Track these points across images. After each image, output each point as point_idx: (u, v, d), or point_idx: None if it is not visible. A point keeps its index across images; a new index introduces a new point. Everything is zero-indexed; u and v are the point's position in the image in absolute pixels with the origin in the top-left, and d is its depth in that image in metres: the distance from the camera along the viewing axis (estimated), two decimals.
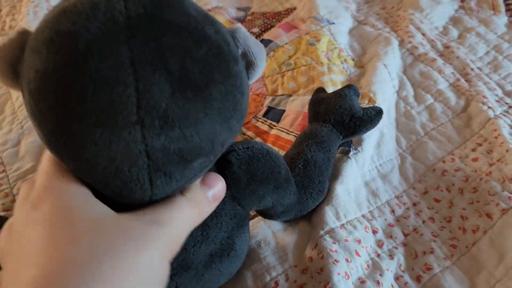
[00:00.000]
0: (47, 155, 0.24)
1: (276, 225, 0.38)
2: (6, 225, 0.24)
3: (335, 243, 0.36)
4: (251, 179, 0.29)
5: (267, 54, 0.54)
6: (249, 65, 0.23)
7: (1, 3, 0.66)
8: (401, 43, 0.57)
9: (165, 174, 0.21)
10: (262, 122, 0.47)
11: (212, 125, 0.21)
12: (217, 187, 0.25)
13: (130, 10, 0.18)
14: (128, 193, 0.21)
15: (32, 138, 0.47)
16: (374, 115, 0.41)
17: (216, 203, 0.25)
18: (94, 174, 0.21)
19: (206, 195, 0.24)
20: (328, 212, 0.38)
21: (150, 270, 0.20)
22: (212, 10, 0.63)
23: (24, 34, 0.21)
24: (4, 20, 0.63)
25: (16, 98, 0.51)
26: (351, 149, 0.42)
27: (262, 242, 0.37)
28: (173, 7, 0.20)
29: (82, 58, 0.18)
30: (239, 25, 0.24)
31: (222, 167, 0.29)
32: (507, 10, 0.63)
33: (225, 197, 0.27)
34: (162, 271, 0.21)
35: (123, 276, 0.19)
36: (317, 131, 0.39)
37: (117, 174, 0.20)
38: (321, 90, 0.44)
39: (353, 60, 0.54)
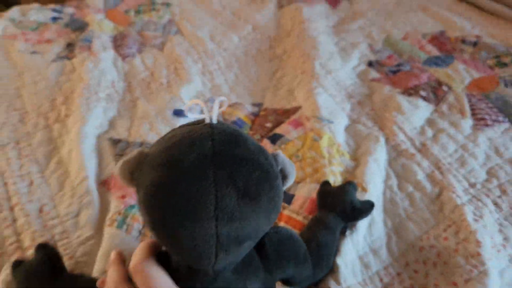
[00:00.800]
0: (141, 247, 0.35)
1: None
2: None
3: None
4: (278, 257, 0.41)
5: (280, 146, 0.67)
6: (284, 178, 0.36)
7: (55, 93, 0.79)
8: (387, 141, 0.70)
9: (226, 251, 0.32)
10: None
11: (259, 220, 0.32)
12: None
13: (215, 147, 0.31)
14: (199, 261, 0.33)
15: (90, 211, 0.58)
16: (368, 207, 0.54)
17: None
18: (180, 248, 0.32)
19: None
20: (330, 279, 0.49)
21: None
22: (233, 105, 0.77)
23: (141, 154, 0.33)
24: (59, 109, 0.76)
25: (75, 176, 0.63)
26: (347, 229, 0.54)
27: None
28: (240, 145, 0.32)
29: (184, 176, 0.30)
30: (279, 151, 0.36)
31: (258, 247, 0.40)
32: (472, 114, 0.77)
33: (260, 268, 0.38)
34: None
35: None
36: (325, 218, 0.51)
37: (195, 248, 0.31)
38: (327, 183, 0.57)
39: (349, 154, 0.67)
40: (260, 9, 1.07)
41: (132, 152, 0.33)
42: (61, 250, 0.54)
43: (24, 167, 0.64)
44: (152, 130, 0.69)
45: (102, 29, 0.95)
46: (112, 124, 0.72)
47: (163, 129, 0.69)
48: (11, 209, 0.59)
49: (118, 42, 0.91)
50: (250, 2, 1.09)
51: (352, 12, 1.08)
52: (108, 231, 0.54)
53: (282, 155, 0.36)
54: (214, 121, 0.33)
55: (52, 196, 0.60)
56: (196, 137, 0.31)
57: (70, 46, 0.90)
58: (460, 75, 0.86)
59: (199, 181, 0.30)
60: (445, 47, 0.95)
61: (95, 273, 0.50)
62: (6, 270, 0.49)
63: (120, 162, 0.33)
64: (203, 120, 0.33)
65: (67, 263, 0.52)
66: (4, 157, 0.65)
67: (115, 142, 0.67)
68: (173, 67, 0.86)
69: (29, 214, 0.57)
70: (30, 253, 0.53)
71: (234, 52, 0.92)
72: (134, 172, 0.33)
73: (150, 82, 0.82)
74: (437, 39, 0.98)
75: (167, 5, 1.06)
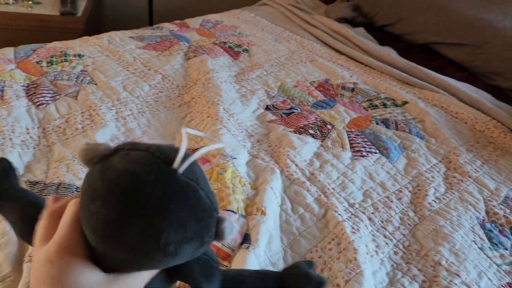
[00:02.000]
0: (68, 219, 0.33)
1: None
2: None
3: None
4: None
5: None
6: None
7: None
8: (282, 171, 0.82)
9: None
10: None
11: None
12: None
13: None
14: None
15: (8, 250, 0.60)
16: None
17: None
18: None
19: None
20: None
21: None
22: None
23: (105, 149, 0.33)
24: None
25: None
26: (250, 245, 0.63)
27: None
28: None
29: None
30: (225, 217, 0.35)
31: None
32: (351, 147, 0.93)
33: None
34: None
35: None
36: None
37: None
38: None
39: (250, 184, 0.78)
40: (169, 61, 1.17)
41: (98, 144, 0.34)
42: None
43: None
44: (69, 171, 0.74)
45: (13, 79, 0.98)
46: (28, 168, 0.75)
47: (81, 170, 0.74)
48: None
49: (32, 91, 0.95)
50: (159, 55, 1.19)
51: (251, 63, 1.23)
52: (27, 267, 0.57)
53: (228, 224, 0.34)
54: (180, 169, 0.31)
55: None
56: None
57: None
58: (341, 115, 1.03)
59: None
60: (329, 92, 1.12)
61: None
62: None
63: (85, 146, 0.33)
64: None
65: None
66: None
67: (33, 184, 0.71)
68: (88, 113, 0.91)
69: None
70: None
71: (145, 99, 1.00)
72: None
73: (66, 128, 0.86)
74: (323, 86, 1.15)
75: (80, 56, 1.12)
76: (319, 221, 0.73)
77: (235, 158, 0.82)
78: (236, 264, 0.61)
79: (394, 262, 0.69)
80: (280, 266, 0.65)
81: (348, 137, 0.95)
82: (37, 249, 0.33)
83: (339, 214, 0.74)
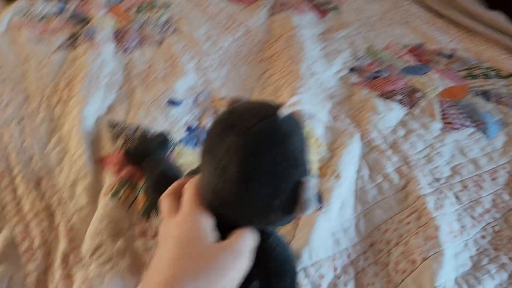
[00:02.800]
0: (191, 189, 0.38)
1: None
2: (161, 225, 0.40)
3: (306, 278, 0.53)
4: None
5: None
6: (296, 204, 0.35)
7: (58, 78, 0.85)
8: (362, 137, 0.77)
9: None
10: None
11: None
12: None
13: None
14: None
15: (86, 182, 0.63)
16: None
17: None
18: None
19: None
20: (305, 253, 0.55)
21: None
22: (223, 98, 0.83)
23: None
24: (61, 93, 0.81)
25: (73, 152, 0.68)
26: (322, 206, 0.60)
27: None
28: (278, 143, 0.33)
29: None
30: (311, 179, 0.35)
31: None
32: (442, 118, 0.84)
33: None
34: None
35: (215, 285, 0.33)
36: None
37: None
38: None
39: (326, 145, 0.74)
40: (253, 15, 1.14)
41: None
42: (58, 216, 0.59)
43: (26, 142, 0.69)
44: (147, 116, 0.75)
45: (104, 23, 1.01)
46: (110, 108, 0.78)
47: (157, 116, 0.75)
48: (13, 178, 0.64)
49: (119, 36, 0.97)
50: (244, 8, 1.16)
51: (339, 22, 1.15)
52: (103, 199, 0.59)
53: (311, 184, 0.35)
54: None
55: (51, 168, 0.65)
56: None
57: (73, 37, 0.96)
58: (434, 83, 0.93)
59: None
60: (423, 58, 1.02)
61: (87, 237, 0.55)
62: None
63: None
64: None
65: (63, 227, 0.57)
66: (8, 133, 0.70)
67: (113, 124, 0.73)
68: (170, 62, 0.92)
69: (29, 184, 0.63)
70: (29, 217, 0.58)
71: (227, 52, 0.99)
72: None
73: (148, 74, 0.88)
74: (416, 51, 1.05)
75: (167, 5, 1.12)
76: (398, 192, 0.67)
77: (313, 118, 0.77)
78: (304, 223, 0.58)
79: (481, 246, 0.62)
80: (351, 234, 0.61)
81: (440, 107, 0.86)
82: (166, 221, 0.39)
83: (421, 188, 0.67)
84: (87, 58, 0.88)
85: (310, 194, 0.34)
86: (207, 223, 0.37)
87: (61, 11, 1.07)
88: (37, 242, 0.55)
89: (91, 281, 0.51)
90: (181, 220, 0.37)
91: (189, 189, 0.39)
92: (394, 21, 1.17)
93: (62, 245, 0.55)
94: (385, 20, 1.17)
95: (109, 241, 0.54)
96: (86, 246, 0.54)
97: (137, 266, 0.53)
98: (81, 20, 1.03)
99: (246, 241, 0.37)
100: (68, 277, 0.52)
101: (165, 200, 0.41)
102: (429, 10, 1.25)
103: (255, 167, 0.33)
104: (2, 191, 0.61)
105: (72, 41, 0.96)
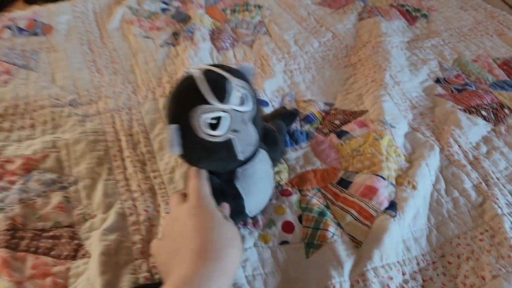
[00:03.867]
0: (194, 182, 0.52)
1: (340, 251, 0.59)
2: (167, 219, 0.54)
3: (375, 277, 0.57)
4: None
5: (344, 141, 0.77)
6: None
7: (162, 72, 0.95)
8: (442, 150, 0.78)
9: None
10: (335, 187, 0.70)
11: None
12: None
13: None
14: None
15: (183, 168, 0.71)
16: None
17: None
18: None
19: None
20: (376, 254, 0.59)
21: (239, 253, 0.49)
22: (307, 101, 0.88)
23: None
24: (164, 86, 0.91)
25: None
26: (396, 214, 0.64)
27: (329, 260, 0.58)
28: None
29: None
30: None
31: None
32: None
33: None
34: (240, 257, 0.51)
35: (232, 252, 0.46)
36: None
37: None
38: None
39: (404, 156, 0.76)
40: (341, 20, 1.17)
41: None
42: (159, 197, 0.68)
43: (133, 129, 0.80)
44: None
45: (202, 23, 1.10)
46: None
47: None
48: (123, 160, 0.74)
49: (215, 35, 1.06)
50: (332, 12, 1.20)
51: (428, 30, 1.15)
52: None
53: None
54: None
55: (154, 153, 0.75)
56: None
57: (175, 34, 1.06)
58: None
59: None
60: None
61: None
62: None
63: None
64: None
65: (164, 206, 0.66)
66: (119, 119, 0.81)
67: None
68: (260, 63, 0.98)
69: (135, 166, 0.72)
70: (136, 195, 0.67)
71: (313, 56, 1.03)
72: None
73: None
74: (508, 65, 1.02)
75: (259, 7, 1.19)
76: (474, 209, 0.68)
77: (394, 127, 0.80)
78: (378, 227, 0.62)
79: None
80: (423, 244, 0.64)
81: None
82: (175, 208, 0.52)
83: (499, 207, 0.68)
84: (187, 55, 0.97)
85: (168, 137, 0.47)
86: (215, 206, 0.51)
87: (164, 10, 1.18)
88: (141, 217, 0.65)
89: None
90: (198, 203, 0.50)
91: (193, 178, 0.53)
92: (487, 32, 1.14)
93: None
94: (477, 31, 1.15)
95: None
96: None
97: None
98: (182, 19, 1.13)
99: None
100: None
101: (174, 194, 0.56)
102: None
103: None
104: (115, 169, 0.72)
105: (174, 38, 1.06)
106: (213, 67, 0.50)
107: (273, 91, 0.90)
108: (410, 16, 1.21)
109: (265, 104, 0.86)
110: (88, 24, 1.15)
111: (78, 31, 1.12)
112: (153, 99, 0.86)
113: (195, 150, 0.49)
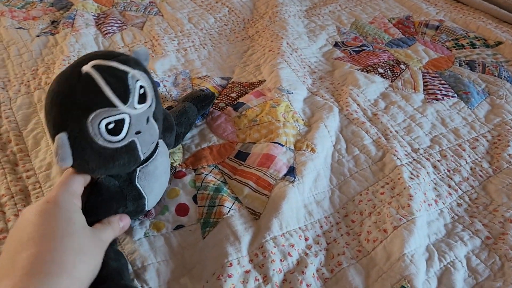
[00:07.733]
0: (63, 177, 0.43)
1: (237, 226, 0.54)
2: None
3: (275, 247, 0.53)
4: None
5: (241, 113, 0.73)
6: None
7: (38, 64, 0.85)
8: (341, 110, 0.76)
9: None
10: (232, 161, 0.65)
11: None
12: (126, 221, 0.49)
13: None
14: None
15: None
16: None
17: (123, 230, 0.49)
18: None
19: (120, 225, 0.48)
20: (275, 223, 0.55)
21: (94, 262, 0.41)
22: (202, 77, 0.83)
23: None
24: (40, 78, 0.82)
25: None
26: (295, 179, 0.60)
27: (225, 237, 0.53)
28: None
29: None
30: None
31: None
32: (424, 90, 0.83)
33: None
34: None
35: (80, 268, 0.38)
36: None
37: None
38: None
39: (303, 120, 0.73)
40: None
41: None
42: (33, 198, 0.60)
43: (2, 128, 0.70)
44: None
45: (86, 8, 1.01)
46: None
47: None
48: None
49: (101, 20, 0.97)
50: None
51: None
52: None
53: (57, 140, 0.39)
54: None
55: (28, 151, 0.66)
56: None
57: (54, 23, 0.96)
58: (419, 55, 0.92)
59: None
60: (409, 30, 1.01)
61: None
62: None
63: None
64: None
65: None
66: None
67: None
68: (151, 43, 0.92)
69: (4, 167, 0.63)
70: (3, 200, 0.59)
71: (209, 32, 0.98)
72: None
73: None
74: (402, 23, 1.04)
75: None
76: (374, 164, 0.67)
77: (292, 93, 0.77)
78: (276, 195, 0.58)
79: (456, 214, 0.61)
80: (325, 206, 0.61)
81: (423, 78, 0.85)
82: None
83: (398, 158, 0.67)
84: (67, 42, 0.88)
85: (55, 149, 0.38)
86: (76, 206, 0.42)
87: None
88: (10, 224, 0.56)
89: None
90: (53, 197, 0.41)
91: (65, 172, 0.45)
92: None
93: None
94: None
95: None
96: None
97: None
98: (63, 6, 1.03)
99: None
100: None
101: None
102: None
103: None
104: None
105: (53, 27, 0.96)
106: (104, 60, 0.40)
107: (165, 71, 0.84)
108: None
109: (157, 84, 0.79)
110: None
111: None
112: (26, 93, 0.77)
113: (92, 159, 0.41)
